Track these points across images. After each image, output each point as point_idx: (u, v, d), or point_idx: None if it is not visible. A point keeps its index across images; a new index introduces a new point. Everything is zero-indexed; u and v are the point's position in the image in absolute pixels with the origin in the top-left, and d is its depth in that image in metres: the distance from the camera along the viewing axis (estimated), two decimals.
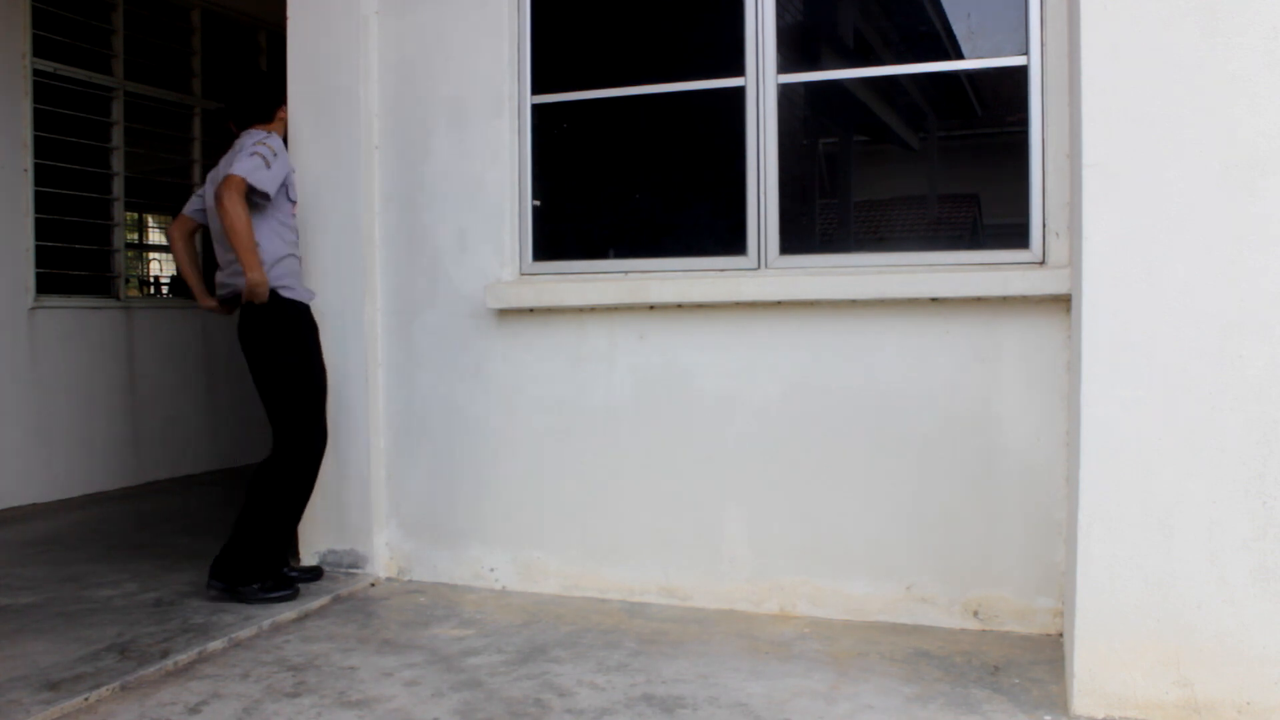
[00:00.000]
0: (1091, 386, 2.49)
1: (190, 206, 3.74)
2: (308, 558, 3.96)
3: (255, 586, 3.47)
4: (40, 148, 5.30)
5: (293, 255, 3.58)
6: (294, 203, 3.62)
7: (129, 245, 7.05)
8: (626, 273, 3.64)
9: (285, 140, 3.67)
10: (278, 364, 3.51)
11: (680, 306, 3.50)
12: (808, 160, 3.98)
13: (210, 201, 3.59)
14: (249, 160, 3.42)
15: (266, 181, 3.42)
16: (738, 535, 3.46)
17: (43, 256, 5.35)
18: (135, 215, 8.47)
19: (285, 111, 3.74)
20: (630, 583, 3.58)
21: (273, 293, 3.47)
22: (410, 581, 3.82)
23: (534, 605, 3.52)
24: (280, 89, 3.77)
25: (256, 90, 3.69)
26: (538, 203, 3.79)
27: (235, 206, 3.34)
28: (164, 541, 4.42)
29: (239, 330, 3.56)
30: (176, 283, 7.89)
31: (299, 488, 3.56)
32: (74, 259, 5.63)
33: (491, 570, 3.77)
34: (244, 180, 3.37)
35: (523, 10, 3.74)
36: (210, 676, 2.84)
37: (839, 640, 3.14)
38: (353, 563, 3.88)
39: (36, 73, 5.26)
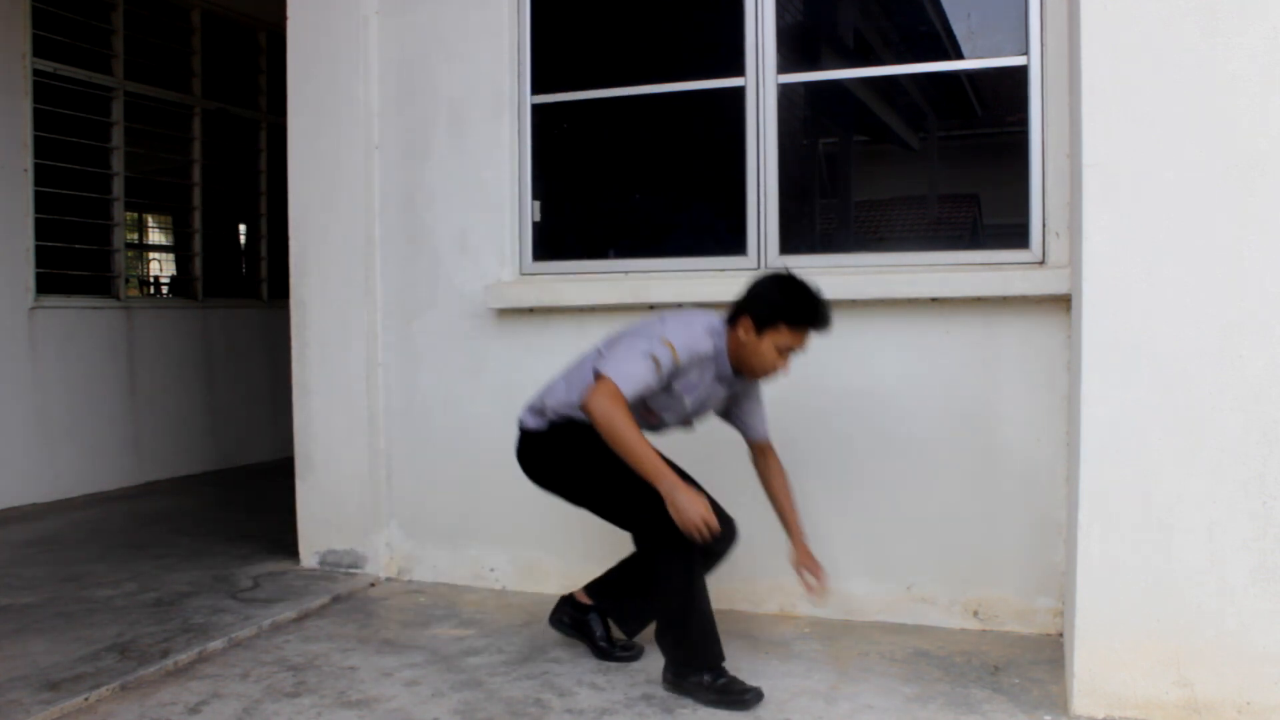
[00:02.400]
0: (1091, 386, 2.49)
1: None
2: (308, 558, 3.96)
3: (706, 679, 2.67)
4: (40, 148, 5.29)
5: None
6: (671, 393, 2.78)
7: (129, 245, 7.05)
8: (627, 273, 3.64)
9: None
10: None
11: (680, 306, 3.49)
12: (808, 160, 3.98)
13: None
14: (636, 364, 2.62)
15: (632, 387, 2.61)
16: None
17: (43, 256, 5.34)
18: (135, 215, 8.46)
19: (759, 334, 2.73)
20: None
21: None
22: (410, 581, 3.82)
23: (534, 605, 3.52)
24: (763, 306, 2.72)
25: (754, 292, 2.78)
26: (538, 202, 3.79)
27: (604, 411, 2.57)
28: (164, 541, 4.42)
29: None
30: (176, 283, 7.85)
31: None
32: (74, 259, 5.62)
33: (491, 570, 3.76)
34: (619, 389, 2.59)
35: (523, 10, 3.73)
36: (210, 676, 2.84)
37: (839, 640, 3.14)
38: (352, 563, 3.88)
39: (36, 73, 5.25)
